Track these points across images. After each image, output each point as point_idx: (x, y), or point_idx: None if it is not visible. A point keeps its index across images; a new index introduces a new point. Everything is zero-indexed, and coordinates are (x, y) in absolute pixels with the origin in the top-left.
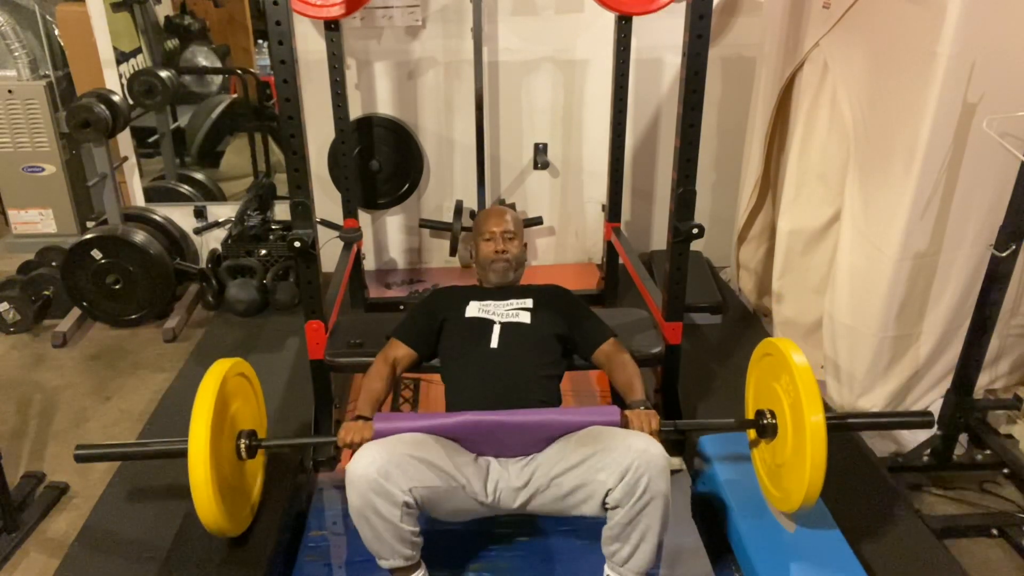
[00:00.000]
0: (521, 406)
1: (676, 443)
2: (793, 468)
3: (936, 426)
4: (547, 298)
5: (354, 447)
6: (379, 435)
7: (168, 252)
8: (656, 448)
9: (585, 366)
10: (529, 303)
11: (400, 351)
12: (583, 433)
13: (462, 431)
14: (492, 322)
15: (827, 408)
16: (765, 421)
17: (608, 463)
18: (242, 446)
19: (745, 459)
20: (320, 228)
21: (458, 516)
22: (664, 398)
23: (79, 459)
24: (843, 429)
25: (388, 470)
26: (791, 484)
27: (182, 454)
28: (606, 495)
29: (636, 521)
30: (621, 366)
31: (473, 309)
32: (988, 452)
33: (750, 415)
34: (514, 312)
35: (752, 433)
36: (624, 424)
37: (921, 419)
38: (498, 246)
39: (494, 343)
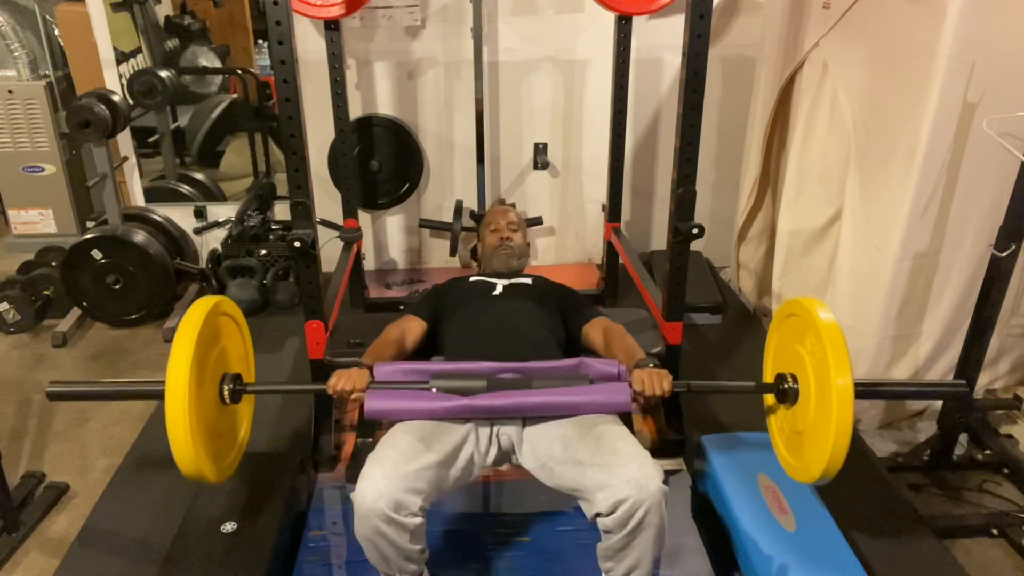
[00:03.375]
0: (521, 344)
1: (676, 443)
2: (815, 436)
3: (936, 426)
4: (545, 281)
5: (344, 395)
6: (376, 417)
7: (168, 252)
8: (654, 482)
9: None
10: (529, 280)
11: (411, 322)
12: (586, 431)
13: (461, 414)
14: (495, 283)
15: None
16: (786, 385)
17: (604, 485)
18: (226, 390)
19: (746, 459)
20: (320, 228)
21: (465, 483)
22: (664, 398)
23: (51, 396)
24: (871, 396)
25: (398, 499)
26: (812, 453)
27: (159, 395)
28: (597, 516)
29: (629, 549)
30: (619, 336)
31: (477, 279)
32: (988, 452)
33: (768, 379)
34: (516, 281)
35: (770, 399)
36: (635, 397)
37: (954, 389)
38: (503, 234)
39: (496, 292)
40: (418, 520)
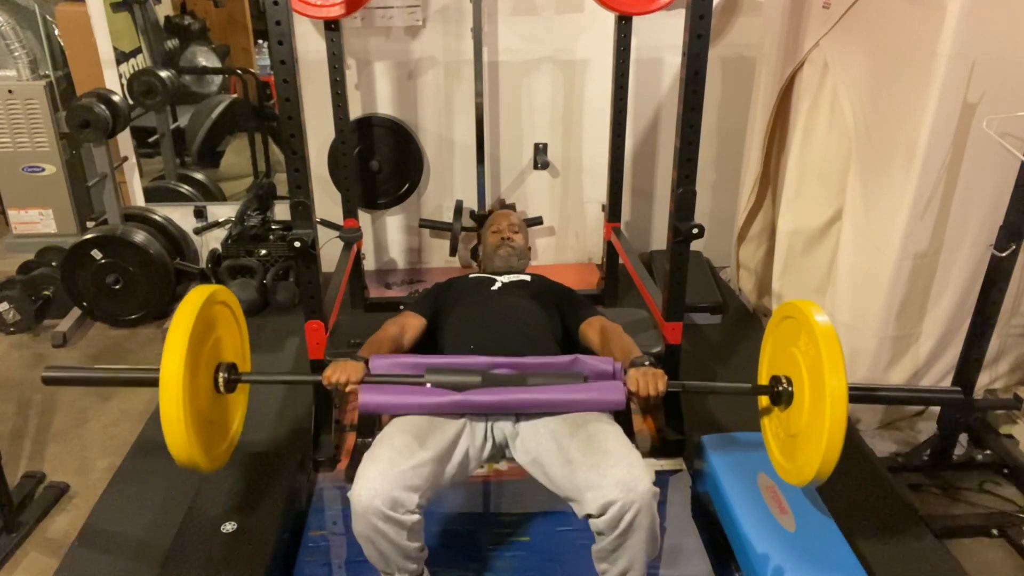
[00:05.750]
0: (518, 340)
1: (676, 443)
2: (809, 438)
3: (936, 426)
4: (544, 280)
5: (340, 387)
6: (370, 411)
7: (168, 252)
8: (643, 484)
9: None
10: (527, 278)
11: (410, 319)
12: (579, 430)
13: (455, 409)
14: (494, 279)
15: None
16: (780, 388)
17: (593, 485)
18: (221, 379)
19: (745, 459)
20: (320, 228)
21: (463, 478)
22: (664, 398)
23: (46, 381)
24: (866, 400)
25: (394, 496)
26: (805, 456)
27: (154, 382)
28: (588, 517)
29: (621, 550)
30: (616, 335)
31: (477, 276)
32: (988, 452)
33: (764, 381)
34: (514, 277)
35: (764, 400)
36: (629, 396)
37: (949, 395)
38: (504, 234)
39: (495, 287)
40: (415, 517)
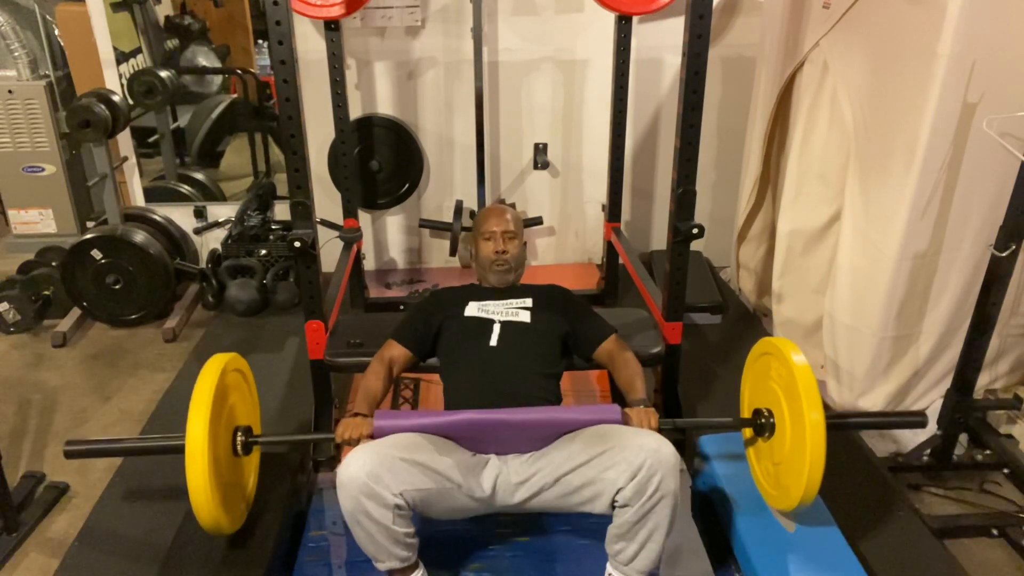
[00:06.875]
0: (520, 404)
1: (676, 443)
2: (791, 467)
3: (936, 426)
4: (547, 297)
5: (351, 443)
6: (379, 432)
7: (168, 252)
8: (667, 447)
9: (585, 366)
10: (528, 302)
11: (397, 351)
12: (589, 432)
13: (460, 431)
14: (491, 321)
15: (825, 408)
16: (763, 420)
17: (618, 461)
18: (238, 442)
19: (745, 459)
20: (320, 228)
21: (454, 515)
22: (664, 398)
23: (69, 455)
24: (841, 428)
25: (378, 473)
26: (789, 483)
27: (179, 450)
28: (616, 493)
29: (644, 520)
30: (623, 364)
31: (472, 309)
32: (988, 452)
33: (746, 414)
34: (513, 311)
35: (748, 432)
36: (625, 422)
37: (915, 419)
38: (498, 246)
39: (493, 341)
40: (398, 500)
